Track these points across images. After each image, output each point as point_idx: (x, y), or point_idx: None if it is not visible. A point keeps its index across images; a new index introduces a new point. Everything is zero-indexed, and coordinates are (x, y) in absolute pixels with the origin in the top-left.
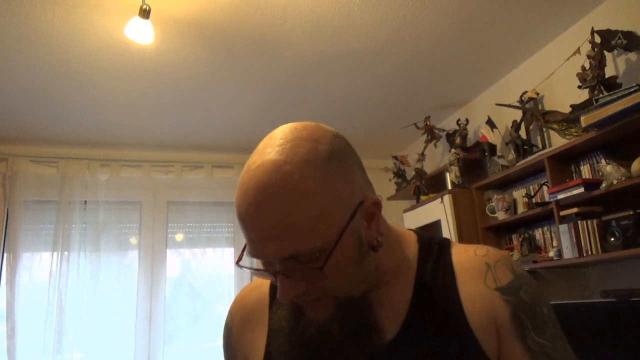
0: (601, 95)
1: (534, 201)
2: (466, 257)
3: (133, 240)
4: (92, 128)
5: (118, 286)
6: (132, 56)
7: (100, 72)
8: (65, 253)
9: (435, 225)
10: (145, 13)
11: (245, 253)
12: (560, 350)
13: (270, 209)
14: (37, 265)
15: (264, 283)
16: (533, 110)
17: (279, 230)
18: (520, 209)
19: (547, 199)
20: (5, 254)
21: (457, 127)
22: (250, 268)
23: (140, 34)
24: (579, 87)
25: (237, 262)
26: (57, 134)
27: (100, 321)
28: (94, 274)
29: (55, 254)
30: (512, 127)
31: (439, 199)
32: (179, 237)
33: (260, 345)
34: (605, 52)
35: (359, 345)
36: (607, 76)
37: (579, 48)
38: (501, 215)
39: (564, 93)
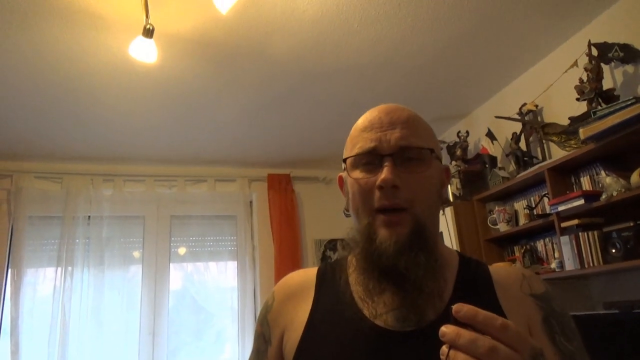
0: (599, 107)
1: (535, 213)
2: (503, 267)
3: (136, 254)
4: (96, 144)
5: (121, 301)
6: (136, 74)
7: (104, 89)
8: (69, 268)
9: None
10: (148, 32)
11: (358, 151)
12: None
13: (402, 110)
14: (41, 280)
15: (311, 270)
16: (532, 123)
17: (409, 123)
18: (522, 221)
19: (548, 210)
20: (9, 270)
21: (457, 139)
22: (361, 153)
23: (144, 53)
24: (577, 99)
25: (345, 158)
26: (61, 150)
27: (104, 336)
28: (97, 289)
29: (59, 269)
30: (512, 139)
31: (441, 211)
32: (182, 251)
33: (302, 316)
34: (602, 64)
35: (401, 316)
36: (604, 88)
37: (576, 61)
38: (503, 227)
39: (563, 105)
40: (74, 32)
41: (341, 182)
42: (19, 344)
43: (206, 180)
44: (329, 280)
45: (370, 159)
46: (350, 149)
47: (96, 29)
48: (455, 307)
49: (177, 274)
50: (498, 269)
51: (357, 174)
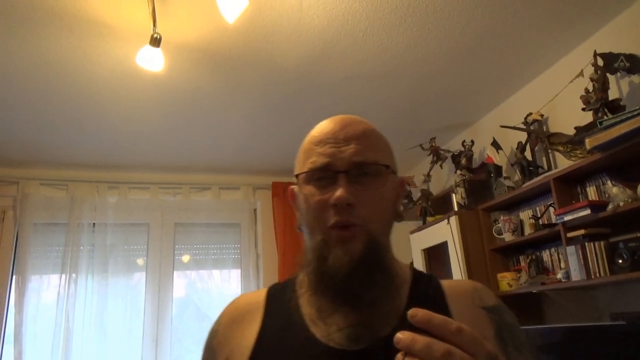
0: (605, 117)
1: (540, 222)
2: (455, 282)
3: (140, 261)
4: (101, 151)
5: (125, 308)
6: (142, 82)
7: (111, 97)
8: (73, 275)
9: (442, 247)
10: (156, 41)
11: (311, 166)
12: None
13: (358, 123)
14: (45, 287)
15: (261, 292)
16: (538, 132)
17: (364, 137)
18: (527, 230)
19: (554, 220)
20: (14, 277)
21: (462, 149)
22: (314, 169)
23: (151, 62)
24: (583, 109)
25: (296, 175)
26: (67, 157)
27: (107, 343)
28: (101, 296)
29: (63, 276)
30: (517, 148)
31: (446, 220)
32: (186, 258)
33: (249, 340)
34: (608, 74)
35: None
36: (610, 98)
37: (582, 71)
38: (508, 237)
39: (568, 115)
40: (81, 40)
41: (293, 195)
42: (23, 351)
43: (210, 188)
44: (279, 302)
45: (323, 175)
46: (303, 163)
47: (103, 37)
48: (410, 312)
49: (181, 282)
50: (450, 283)
51: (310, 189)
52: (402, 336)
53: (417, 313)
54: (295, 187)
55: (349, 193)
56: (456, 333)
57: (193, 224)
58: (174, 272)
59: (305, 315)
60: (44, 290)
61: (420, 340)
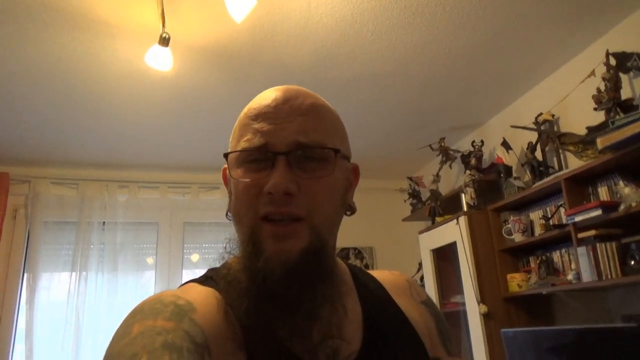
0: (617, 117)
1: (551, 223)
2: (386, 275)
3: (150, 260)
4: (111, 150)
5: (135, 304)
6: (151, 82)
7: (120, 97)
8: (84, 273)
9: (451, 247)
10: (164, 41)
11: (245, 145)
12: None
13: (304, 96)
14: (55, 285)
15: (219, 306)
16: (549, 132)
17: (311, 113)
18: (538, 231)
19: (564, 220)
20: (25, 275)
21: (472, 149)
22: (248, 149)
23: (160, 61)
24: (595, 109)
25: (225, 155)
26: (77, 156)
27: None
28: (111, 294)
29: (73, 274)
30: (527, 148)
31: (455, 221)
32: (195, 257)
33: None
34: (621, 73)
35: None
36: (623, 98)
37: (593, 70)
38: (518, 237)
39: (580, 115)
40: (91, 41)
41: (225, 175)
42: (33, 348)
43: (219, 188)
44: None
45: (259, 156)
46: (236, 142)
47: (113, 37)
48: None
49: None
50: (382, 277)
51: (241, 173)
52: None
53: None
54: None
55: (289, 179)
56: None
57: (202, 224)
58: (183, 270)
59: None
60: (54, 288)
61: None
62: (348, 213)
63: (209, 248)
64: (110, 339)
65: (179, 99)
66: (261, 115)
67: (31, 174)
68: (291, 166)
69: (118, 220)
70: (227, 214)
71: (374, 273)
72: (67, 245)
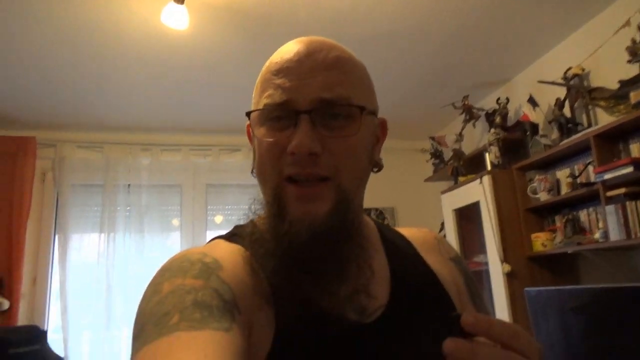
0: None
1: (578, 181)
2: (414, 232)
3: (175, 222)
4: (133, 113)
5: (162, 264)
6: (168, 42)
7: (139, 58)
8: (112, 234)
9: (474, 207)
10: None
11: (267, 102)
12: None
13: (329, 48)
14: (85, 245)
15: (245, 258)
16: (578, 87)
17: (336, 67)
18: (564, 190)
19: (592, 179)
20: (57, 235)
21: (496, 107)
22: (269, 106)
23: (176, 20)
24: (629, 61)
25: (247, 113)
26: (101, 119)
27: None
28: (138, 254)
29: (102, 235)
30: (555, 105)
31: (478, 180)
32: (218, 219)
33: (266, 324)
34: None
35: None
36: None
37: (629, 19)
38: (543, 197)
39: (612, 68)
40: (108, 2)
41: (250, 134)
42: (67, 306)
43: (240, 150)
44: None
45: (281, 113)
46: (258, 97)
47: None
48: (465, 319)
49: None
50: (411, 234)
51: (264, 131)
52: (455, 345)
53: (473, 320)
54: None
55: (312, 139)
56: (514, 337)
57: (224, 185)
58: (207, 232)
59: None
60: (84, 249)
61: (482, 351)
62: (375, 170)
63: (232, 210)
64: (141, 297)
65: (196, 58)
66: (283, 70)
67: (56, 138)
68: (315, 124)
69: (142, 183)
70: (252, 171)
71: (402, 230)
72: (94, 208)
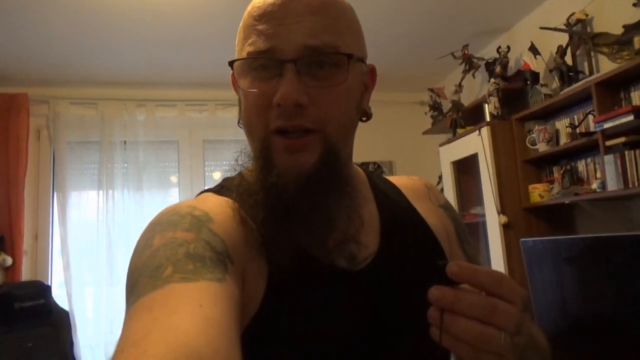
0: None
1: (578, 131)
2: (405, 181)
3: (173, 178)
4: (127, 68)
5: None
6: None
7: (132, 11)
8: (110, 191)
9: (473, 159)
10: None
11: (250, 50)
12: (479, 261)
13: None
14: (85, 202)
15: (235, 212)
16: (581, 33)
17: (322, 11)
18: (563, 140)
19: (592, 129)
20: (55, 193)
21: (497, 56)
22: (252, 54)
23: None
24: (634, 4)
25: (230, 63)
26: (94, 75)
27: None
28: (138, 210)
29: (101, 192)
30: (557, 52)
31: (477, 132)
32: (217, 175)
33: (259, 276)
34: None
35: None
36: None
37: None
38: (542, 147)
39: (617, 13)
40: None
41: (235, 83)
42: (70, 261)
43: (236, 104)
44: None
45: (265, 62)
46: (241, 47)
47: None
48: (450, 268)
49: None
50: (400, 181)
51: (248, 82)
52: (440, 293)
53: (458, 269)
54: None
55: (298, 90)
56: (498, 284)
57: (221, 141)
58: (206, 188)
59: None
60: (84, 206)
61: (465, 298)
62: (364, 119)
63: (230, 165)
64: (132, 251)
65: (192, 12)
66: (266, 14)
67: (49, 94)
68: (301, 73)
69: (139, 139)
70: (238, 121)
71: (392, 179)
72: (92, 165)
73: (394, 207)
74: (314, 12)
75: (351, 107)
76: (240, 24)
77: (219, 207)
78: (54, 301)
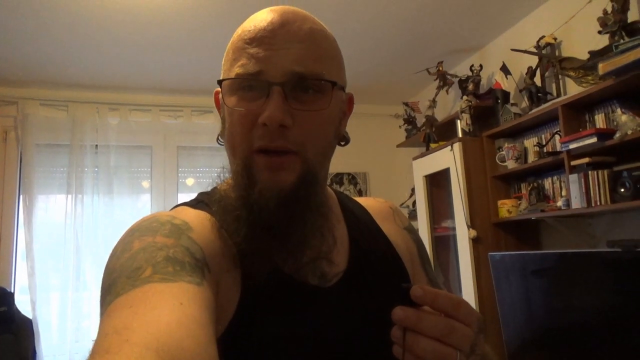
0: (622, 41)
1: (545, 150)
2: (372, 202)
3: (145, 184)
4: (101, 71)
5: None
6: None
7: (108, 13)
8: (79, 195)
9: (445, 174)
10: None
11: (239, 71)
12: (439, 281)
13: (302, 20)
14: (52, 206)
15: (212, 225)
16: (550, 57)
17: (310, 41)
18: (531, 158)
19: (559, 148)
20: (21, 196)
21: (470, 74)
22: (242, 76)
23: None
24: (600, 32)
25: (219, 81)
26: (66, 76)
27: None
28: (108, 215)
29: (69, 196)
30: (527, 73)
31: (449, 147)
32: (190, 181)
33: (232, 284)
34: None
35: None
36: (629, 21)
37: None
38: (511, 164)
39: (583, 39)
40: None
41: (217, 99)
42: (35, 265)
43: (212, 111)
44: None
45: (253, 83)
46: (229, 67)
47: None
48: (414, 292)
49: None
50: (369, 204)
51: (235, 101)
52: (403, 313)
53: (421, 292)
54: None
55: (283, 111)
56: (456, 307)
57: (196, 147)
58: (179, 194)
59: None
60: (51, 209)
61: (426, 319)
62: (342, 144)
63: (204, 172)
64: (109, 255)
65: (168, 15)
66: (257, 39)
67: (18, 95)
68: (286, 97)
69: (110, 144)
70: (218, 138)
71: (360, 200)
72: (60, 168)
73: (362, 227)
74: (301, 40)
75: (330, 132)
76: (229, 44)
77: (197, 218)
78: (17, 308)
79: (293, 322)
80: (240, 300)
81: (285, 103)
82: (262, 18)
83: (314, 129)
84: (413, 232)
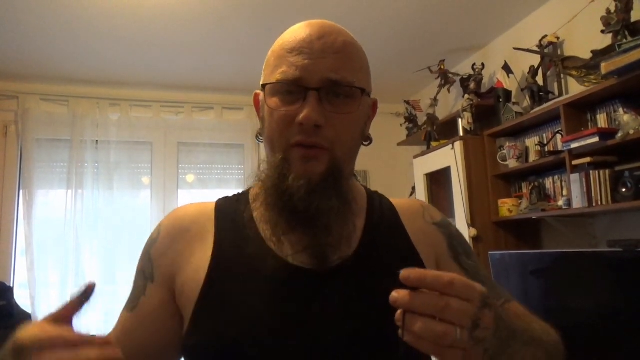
0: (624, 40)
1: (546, 150)
2: (403, 201)
3: (145, 180)
4: (102, 66)
5: (132, 223)
6: None
7: (110, 8)
8: (79, 191)
9: (445, 172)
10: None
11: (280, 77)
12: (484, 272)
13: (337, 33)
14: (52, 201)
15: (208, 204)
16: (552, 56)
17: (343, 52)
18: (532, 157)
19: (560, 147)
20: (20, 191)
21: (472, 72)
22: (284, 81)
23: None
24: (602, 31)
25: (263, 85)
26: (67, 71)
27: (116, 255)
28: (107, 211)
29: (69, 191)
30: (529, 72)
31: (450, 146)
32: (190, 178)
33: (202, 259)
34: None
35: (317, 256)
36: (632, 20)
37: None
38: (512, 163)
39: (586, 38)
40: None
41: (258, 101)
42: (34, 260)
43: (213, 108)
44: (230, 216)
45: (292, 89)
46: (271, 72)
47: None
48: (402, 275)
49: (186, 201)
50: (399, 202)
51: (276, 103)
52: (398, 295)
53: (409, 275)
54: (260, 94)
55: (318, 113)
56: (448, 285)
57: (196, 144)
58: (179, 190)
59: (260, 231)
60: (51, 204)
61: (418, 298)
62: (365, 143)
63: (204, 169)
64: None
65: (172, 13)
66: (297, 49)
67: (19, 90)
68: (321, 100)
69: (111, 139)
70: (257, 136)
71: (393, 200)
72: (61, 163)
73: (382, 223)
74: (336, 52)
75: (357, 132)
76: (270, 52)
77: (185, 216)
78: (16, 303)
79: (269, 296)
80: (207, 275)
81: (319, 106)
82: (301, 30)
83: (343, 129)
84: (444, 227)
